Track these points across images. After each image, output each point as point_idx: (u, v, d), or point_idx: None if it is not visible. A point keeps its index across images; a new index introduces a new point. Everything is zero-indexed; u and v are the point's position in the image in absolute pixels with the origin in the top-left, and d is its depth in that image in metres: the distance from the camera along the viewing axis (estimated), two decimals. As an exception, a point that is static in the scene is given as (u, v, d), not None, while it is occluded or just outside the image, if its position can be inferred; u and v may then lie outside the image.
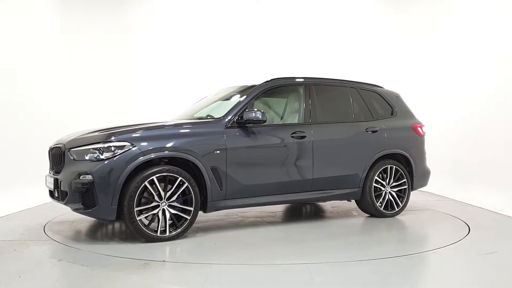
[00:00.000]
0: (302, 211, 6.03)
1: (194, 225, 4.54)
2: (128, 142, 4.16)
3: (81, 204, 4.11)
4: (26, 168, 7.16)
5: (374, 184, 5.33)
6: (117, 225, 5.02)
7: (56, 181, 4.42)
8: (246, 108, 4.72)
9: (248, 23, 9.04)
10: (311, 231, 4.85)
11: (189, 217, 4.33)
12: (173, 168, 4.26)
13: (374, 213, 5.42)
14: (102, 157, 4.09)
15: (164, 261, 3.68)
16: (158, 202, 4.22)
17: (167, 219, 4.25)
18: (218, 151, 4.47)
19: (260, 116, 4.57)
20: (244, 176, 4.64)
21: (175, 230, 4.29)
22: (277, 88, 5.23)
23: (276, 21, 9.09)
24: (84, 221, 5.16)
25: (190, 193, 4.32)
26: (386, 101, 5.76)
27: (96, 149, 4.14)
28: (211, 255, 3.86)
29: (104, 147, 4.12)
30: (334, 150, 5.16)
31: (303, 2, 9.18)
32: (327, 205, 6.37)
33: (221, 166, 4.49)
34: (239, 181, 4.61)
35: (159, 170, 4.19)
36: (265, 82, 5.09)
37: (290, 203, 6.05)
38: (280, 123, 5.26)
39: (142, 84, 9.04)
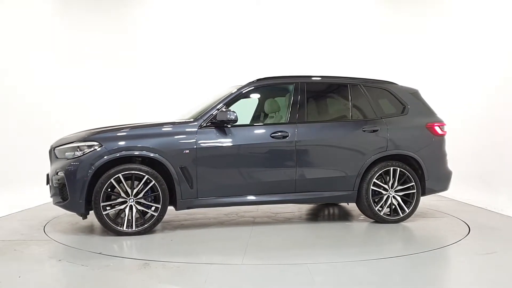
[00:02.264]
0: (305, 214, 6.02)
1: (180, 222, 4.60)
2: (96, 142, 4.48)
3: (60, 198, 4.54)
4: (26, 168, 7.16)
5: (372, 187, 5.02)
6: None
7: (47, 177, 4.82)
8: (223, 109, 4.76)
9: (249, 23, 9.04)
10: (311, 232, 4.85)
11: (156, 214, 4.52)
12: (139, 166, 4.48)
13: (373, 218, 5.13)
14: (75, 155, 4.47)
15: (100, 253, 3.86)
16: (125, 198, 4.47)
17: (133, 215, 4.48)
18: (187, 151, 4.58)
19: (231, 117, 4.62)
20: (217, 176, 4.70)
21: (142, 225, 4.49)
22: (265, 88, 5.26)
23: (278, 21, 9.08)
24: (84, 221, 5.15)
25: (157, 190, 4.50)
26: (397, 99, 5.35)
27: (71, 148, 4.54)
28: (168, 252, 3.87)
29: (77, 146, 4.52)
30: (321, 150, 4.96)
31: (305, 1, 9.17)
32: (348, 209, 6.34)
33: (191, 166, 4.59)
34: (212, 181, 4.68)
35: (124, 168, 4.44)
36: (249, 83, 5.08)
37: (271, 204, 5.54)
38: (263, 123, 5.25)
39: (142, 83, 9.04)
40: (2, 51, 6.96)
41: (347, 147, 5.03)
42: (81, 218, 4.70)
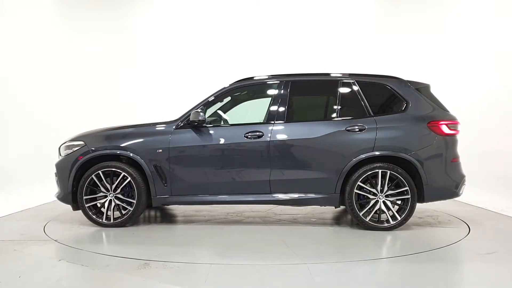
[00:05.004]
0: (309, 216, 6.02)
1: (177, 218, 4.56)
2: (82, 141, 4.96)
3: (58, 191, 5.06)
4: (26, 169, 7.16)
5: (357, 191, 4.69)
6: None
7: None
8: (197, 110, 4.88)
9: (250, 22, 9.05)
10: (311, 233, 4.84)
11: (131, 208, 4.83)
12: (117, 164, 4.85)
13: (360, 224, 4.78)
14: (66, 153, 5.01)
15: (56, 240, 4.30)
16: (105, 193, 4.87)
17: (112, 209, 4.88)
18: (160, 150, 4.82)
19: (200, 117, 4.77)
20: (189, 175, 4.85)
21: (120, 218, 4.86)
22: (249, 89, 5.27)
23: (278, 21, 9.09)
24: (84, 221, 5.16)
25: (134, 187, 4.83)
26: (399, 95, 4.88)
27: (65, 146, 5.07)
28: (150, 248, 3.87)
29: (68, 145, 5.04)
30: (297, 150, 4.76)
31: (305, 1, 9.18)
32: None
33: (164, 164, 4.82)
34: (184, 179, 4.84)
35: (103, 165, 4.84)
36: (232, 84, 5.13)
37: (247, 204, 5.41)
38: (241, 123, 5.19)
39: (142, 84, 9.04)
40: (4, 51, 6.96)
41: (326, 147, 4.73)
42: (72, 210, 5.04)
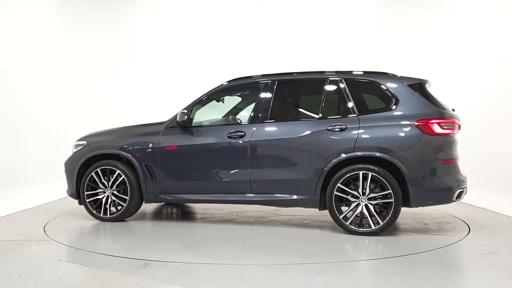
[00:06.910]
0: (309, 217, 6.02)
1: (176, 216, 4.52)
2: (85, 141, 5.36)
3: (68, 187, 5.43)
4: (26, 169, 7.16)
5: (337, 193, 4.50)
6: (116, 225, 5.03)
7: None
8: (184, 110, 4.99)
9: (250, 22, 9.06)
10: (310, 234, 4.84)
11: (125, 204, 5.08)
12: (113, 162, 5.13)
13: (341, 228, 4.57)
14: (73, 152, 5.41)
15: (56, 240, 4.33)
16: (104, 189, 5.17)
17: (109, 204, 5.15)
18: (149, 150, 5.06)
19: (185, 117, 4.91)
20: (174, 174, 5.03)
21: (116, 213, 5.11)
22: (237, 89, 5.31)
23: (278, 21, 9.10)
24: (84, 221, 5.17)
25: (127, 184, 5.07)
26: (389, 92, 4.59)
27: (73, 146, 5.46)
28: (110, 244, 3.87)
29: (75, 144, 5.43)
30: (276, 150, 4.70)
31: (306, 1, 9.18)
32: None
33: (153, 163, 5.05)
34: (171, 178, 5.03)
35: (101, 163, 5.17)
36: (223, 84, 5.19)
37: (230, 203, 5.53)
38: (224, 123, 5.30)
39: (142, 84, 9.05)
40: (4, 51, 6.96)
41: (305, 147, 4.61)
42: (79, 204, 5.35)
